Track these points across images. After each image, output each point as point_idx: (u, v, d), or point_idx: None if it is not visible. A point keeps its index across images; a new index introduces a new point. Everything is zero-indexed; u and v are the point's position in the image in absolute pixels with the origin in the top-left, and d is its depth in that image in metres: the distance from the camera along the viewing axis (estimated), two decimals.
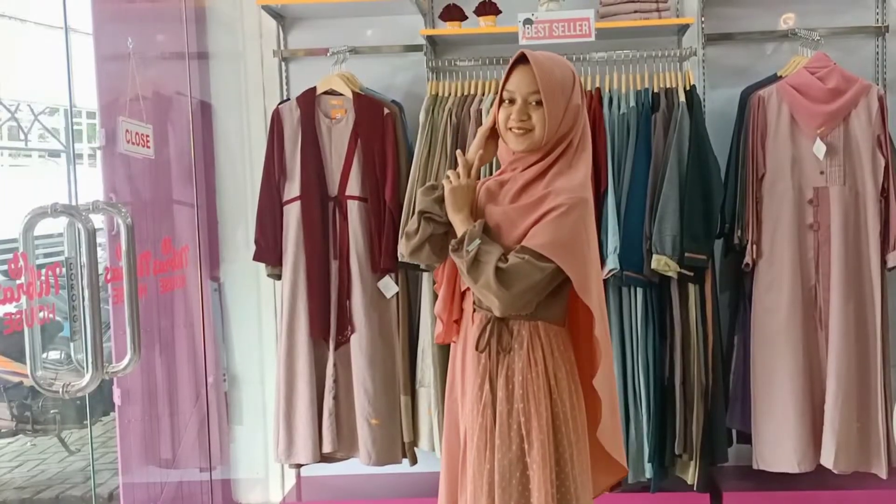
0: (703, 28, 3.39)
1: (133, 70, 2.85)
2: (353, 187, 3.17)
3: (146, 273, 2.53)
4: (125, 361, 2.08)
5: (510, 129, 1.97)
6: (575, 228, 1.93)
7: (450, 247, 1.98)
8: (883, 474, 3.09)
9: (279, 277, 3.25)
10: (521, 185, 2.00)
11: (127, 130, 2.67)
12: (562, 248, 1.90)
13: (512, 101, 1.96)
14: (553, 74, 1.94)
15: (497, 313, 1.97)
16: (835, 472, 3.07)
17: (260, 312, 3.58)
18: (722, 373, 3.20)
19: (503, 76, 2.01)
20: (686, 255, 3.03)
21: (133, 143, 2.69)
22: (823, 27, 3.30)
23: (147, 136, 2.79)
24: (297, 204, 3.17)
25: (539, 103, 1.93)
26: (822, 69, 3.10)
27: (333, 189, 3.20)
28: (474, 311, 2.04)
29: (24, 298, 1.87)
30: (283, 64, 3.54)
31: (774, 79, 3.22)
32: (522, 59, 1.95)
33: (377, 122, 3.17)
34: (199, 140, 3.31)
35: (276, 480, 3.60)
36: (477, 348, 2.00)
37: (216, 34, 3.52)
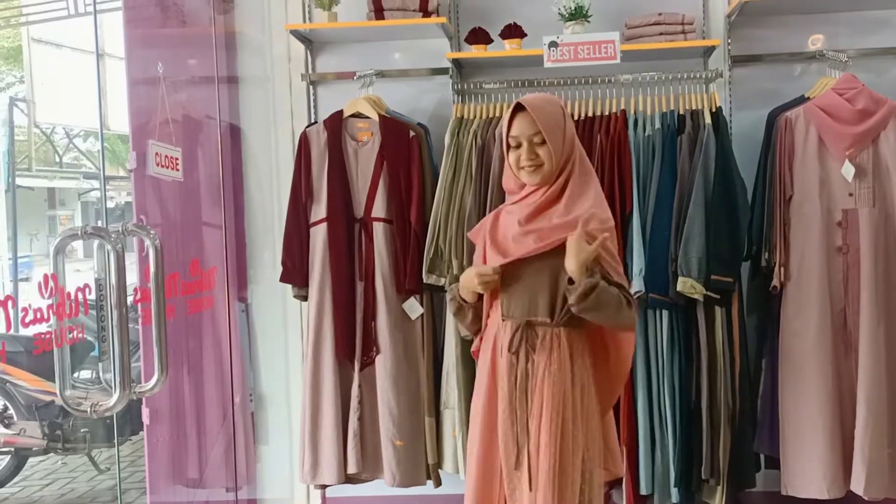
0: (729, 50, 3.39)
1: (163, 94, 2.90)
2: (379, 209, 3.20)
3: (174, 294, 2.56)
4: (152, 381, 2.10)
5: (522, 167, 2.24)
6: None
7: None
8: None
9: (305, 298, 3.27)
10: (544, 205, 2.25)
11: (157, 153, 2.72)
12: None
13: (518, 145, 2.24)
14: (548, 114, 2.22)
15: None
16: (865, 498, 3.02)
17: (286, 333, 3.60)
18: (749, 396, 3.17)
19: (505, 125, 2.26)
20: (712, 277, 3.01)
21: (162, 166, 2.74)
22: (852, 48, 3.29)
23: (176, 158, 2.84)
24: (324, 226, 3.19)
25: (542, 142, 2.21)
26: (851, 90, 3.08)
27: (359, 211, 3.22)
28: (503, 319, 2.28)
29: (53, 318, 1.90)
30: (310, 87, 3.59)
31: (802, 100, 3.20)
32: (519, 107, 2.23)
33: (403, 144, 3.19)
34: (227, 162, 3.36)
35: (302, 501, 3.60)
36: (509, 350, 2.23)
37: (245, 58, 3.58)
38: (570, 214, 2.19)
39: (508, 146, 2.27)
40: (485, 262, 2.29)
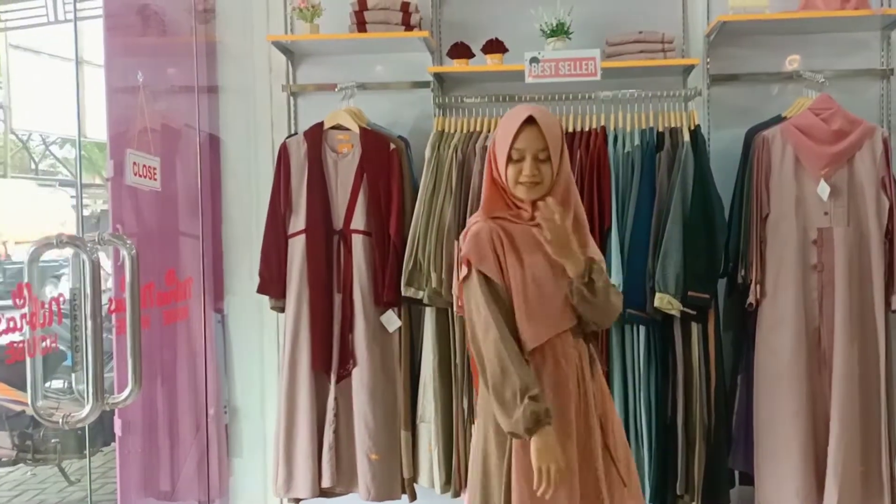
0: (708, 69, 3.41)
1: (142, 102, 2.88)
2: (358, 221, 3.19)
3: (149, 304, 2.54)
4: (126, 393, 2.07)
5: (521, 182, 2.15)
6: None
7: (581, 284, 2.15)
8: None
9: (282, 310, 3.25)
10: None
11: (134, 163, 2.70)
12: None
13: (521, 159, 2.15)
14: (555, 131, 2.17)
15: (608, 325, 2.35)
16: None
17: (262, 345, 3.57)
18: (725, 412, 3.18)
19: (510, 136, 2.14)
20: (689, 293, 3.03)
21: (140, 176, 2.71)
22: (828, 69, 3.33)
23: (154, 168, 2.82)
24: (302, 237, 3.18)
25: (546, 158, 2.15)
26: (827, 111, 3.11)
27: (339, 223, 3.21)
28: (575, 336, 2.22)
29: (26, 328, 1.87)
30: (291, 99, 3.58)
31: (779, 120, 3.23)
32: (527, 120, 2.14)
33: (383, 156, 3.19)
34: (206, 173, 3.34)
35: None
36: (602, 365, 2.30)
37: (226, 68, 3.57)
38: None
39: (509, 158, 2.15)
40: (506, 279, 2.15)
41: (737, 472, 3.27)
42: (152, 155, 2.83)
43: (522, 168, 2.14)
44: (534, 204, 2.16)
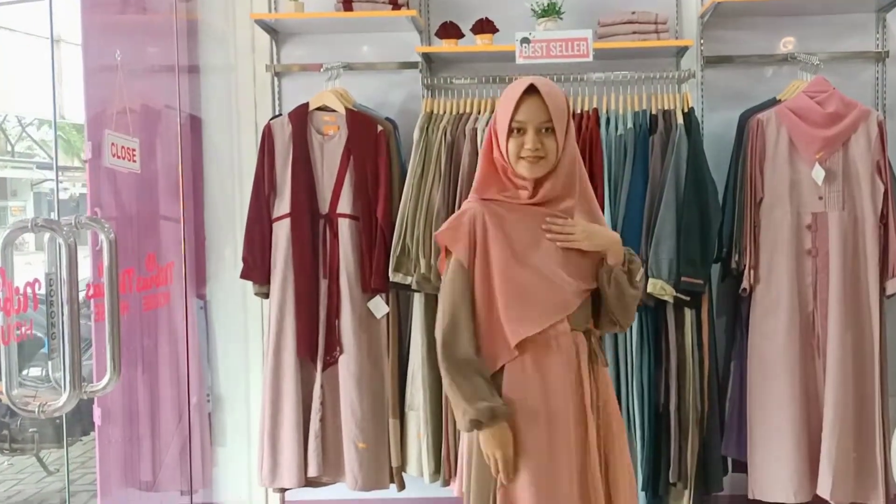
0: (701, 50, 3.36)
1: (121, 83, 2.78)
2: (345, 205, 3.12)
3: (129, 290, 2.45)
4: (104, 381, 1.99)
5: (523, 157, 1.98)
6: None
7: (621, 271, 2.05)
8: None
9: (266, 296, 3.18)
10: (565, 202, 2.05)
11: (113, 144, 2.60)
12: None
13: (522, 132, 1.98)
14: (559, 102, 2.00)
15: (627, 324, 2.12)
16: (832, 502, 3.02)
17: (247, 332, 3.49)
18: (718, 399, 3.15)
19: (511, 107, 1.98)
20: (682, 279, 2.99)
21: (119, 157, 2.62)
22: (823, 52, 3.28)
23: (133, 150, 2.72)
24: (287, 221, 3.11)
25: (549, 130, 1.98)
26: (822, 94, 3.07)
27: (324, 206, 3.14)
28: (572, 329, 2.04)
29: (0, 314, 1.79)
30: (275, 79, 3.49)
31: (773, 103, 3.19)
32: (528, 90, 1.97)
33: (370, 139, 3.11)
34: (187, 155, 3.24)
35: None
36: (599, 364, 2.07)
37: (208, 48, 3.46)
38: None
39: (510, 131, 1.97)
40: (473, 265, 1.99)
41: (730, 460, 3.25)
42: (131, 136, 2.74)
43: (524, 141, 1.96)
44: (536, 183, 2.01)
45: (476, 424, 1.92)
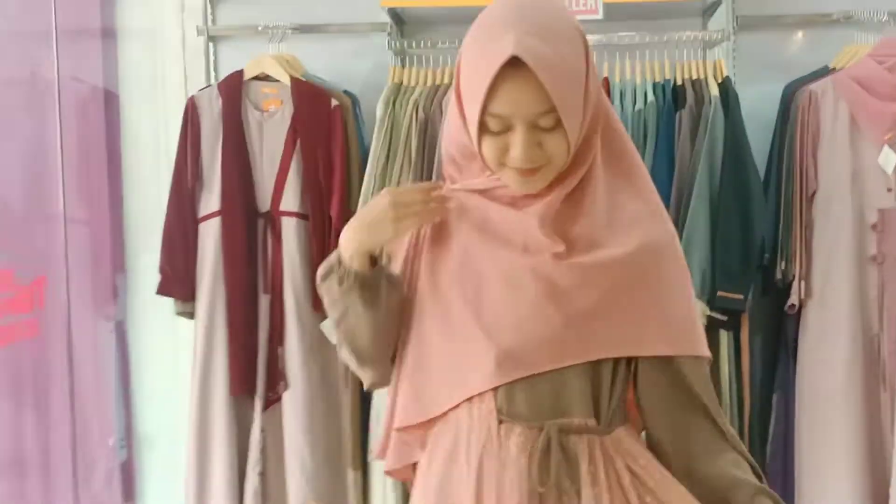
0: (734, 9, 2.86)
1: None
2: (290, 201, 2.65)
3: None
4: None
5: (506, 165, 1.22)
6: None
7: None
8: None
9: (191, 316, 2.71)
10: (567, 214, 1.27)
11: None
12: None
13: (506, 129, 1.19)
14: (563, 69, 1.17)
15: None
16: None
17: (176, 358, 2.97)
18: (759, 442, 2.77)
19: (482, 91, 1.16)
20: (718, 294, 2.58)
21: None
22: (889, 8, 2.78)
23: None
24: (216, 221, 2.64)
25: (554, 125, 1.18)
26: (892, 58, 2.62)
27: (264, 203, 2.67)
28: (501, 422, 1.23)
29: None
30: (209, 45, 3.01)
31: (826, 72, 2.76)
32: (510, 62, 1.14)
33: (322, 116, 2.65)
34: (95, 137, 2.81)
35: None
36: (541, 484, 1.20)
37: (126, 6, 3.03)
38: (622, 237, 1.25)
39: (483, 128, 1.19)
40: (411, 280, 1.34)
41: None
42: None
43: (509, 144, 1.19)
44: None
45: (326, 273, 1.29)
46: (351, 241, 1.26)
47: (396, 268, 1.34)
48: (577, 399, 1.22)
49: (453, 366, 1.25)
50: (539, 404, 1.22)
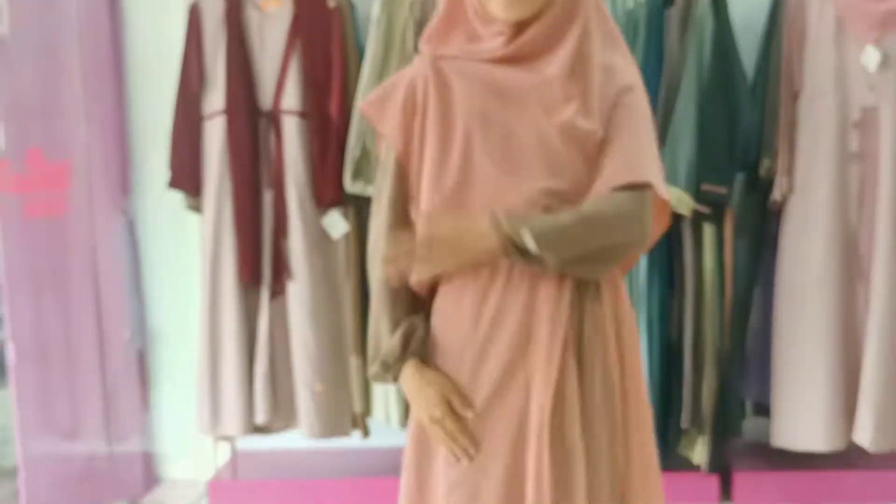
0: None
1: None
2: (291, 100, 2.68)
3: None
4: None
5: None
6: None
7: None
8: None
9: (200, 210, 2.77)
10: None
11: None
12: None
13: None
14: None
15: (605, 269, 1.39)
16: (871, 451, 2.66)
17: (185, 253, 3.03)
18: (740, 333, 2.84)
19: None
20: (703, 187, 2.62)
21: None
22: None
23: None
24: (221, 119, 2.68)
25: None
26: None
27: (266, 101, 2.70)
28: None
29: None
30: None
31: None
32: None
33: (321, 17, 2.67)
34: (101, 35, 2.81)
35: (207, 455, 3.09)
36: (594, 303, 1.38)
37: None
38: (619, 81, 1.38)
39: None
40: (409, 153, 1.40)
41: (748, 402, 2.93)
42: None
43: None
44: (517, 30, 1.34)
45: (380, 374, 1.42)
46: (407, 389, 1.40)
47: (391, 136, 1.41)
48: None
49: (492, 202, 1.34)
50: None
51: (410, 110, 1.39)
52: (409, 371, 1.40)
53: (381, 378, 1.43)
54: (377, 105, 1.43)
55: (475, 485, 1.36)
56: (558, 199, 1.33)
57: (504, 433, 1.35)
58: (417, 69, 1.41)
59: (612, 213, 1.32)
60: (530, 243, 1.28)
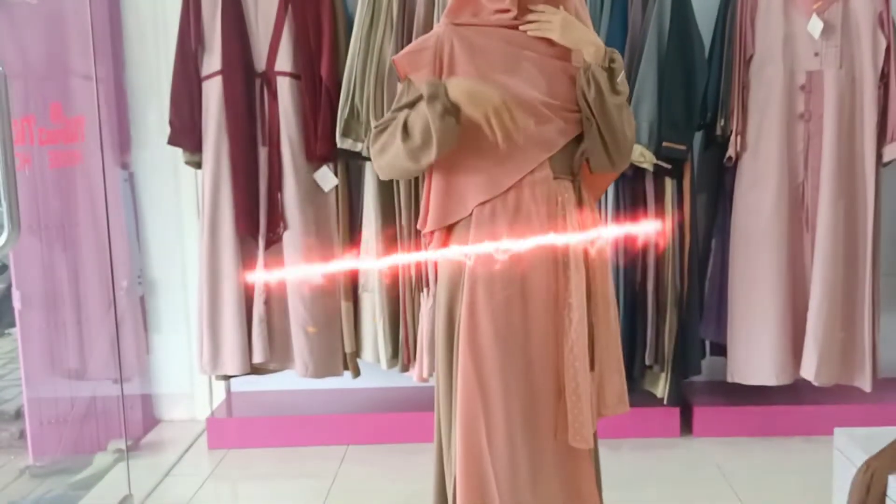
0: None
1: None
2: (284, 61, 2.78)
3: (29, 141, 2.10)
4: (4, 237, 1.69)
5: None
6: None
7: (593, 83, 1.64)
8: (867, 387, 2.88)
9: (199, 165, 2.87)
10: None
11: None
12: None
13: None
14: None
15: (620, 164, 1.75)
16: (816, 384, 2.85)
17: (181, 207, 3.17)
18: (698, 278, 2.96)
19: None
20: (663, 144, 2.75)
21: None
22: None
23: None
24: (218, 79, 2.77)
25: None
26: None
27: (261, 63, 2.80)
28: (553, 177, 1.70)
29: None
30: None
31: None
32: None
33: None
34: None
35: (203, 395, 3.25)
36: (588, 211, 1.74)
37: None
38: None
39: None
40: None
41: (708, 343, 3.07)
42: None
43: None
44: (521, 5, 1.65)
45: (431, 96, 1.58)
46: (461, 92, 1.57)
47: (422, 82, 1.63)
48: (572, 160, 1.72)
49: (519, 149, 1.63)
50: (561, 162, 1.70)
51: (439, 58, 1.66)
52: (458, 80, 1.60)
53: (434, 115, 1.55)
54: (408, 57, 1.69)
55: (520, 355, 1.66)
56: (550, 109, 1.65)
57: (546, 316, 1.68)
58: (441, 31, 1.68)
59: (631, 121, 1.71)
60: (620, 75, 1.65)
